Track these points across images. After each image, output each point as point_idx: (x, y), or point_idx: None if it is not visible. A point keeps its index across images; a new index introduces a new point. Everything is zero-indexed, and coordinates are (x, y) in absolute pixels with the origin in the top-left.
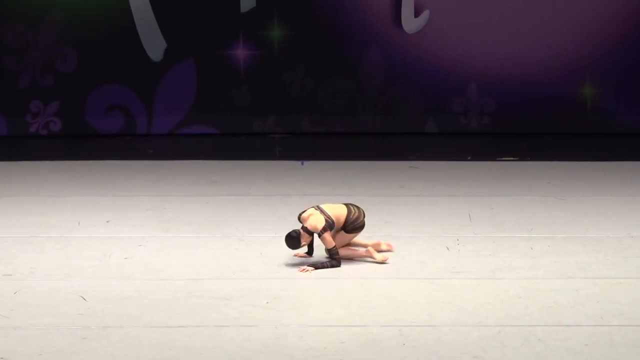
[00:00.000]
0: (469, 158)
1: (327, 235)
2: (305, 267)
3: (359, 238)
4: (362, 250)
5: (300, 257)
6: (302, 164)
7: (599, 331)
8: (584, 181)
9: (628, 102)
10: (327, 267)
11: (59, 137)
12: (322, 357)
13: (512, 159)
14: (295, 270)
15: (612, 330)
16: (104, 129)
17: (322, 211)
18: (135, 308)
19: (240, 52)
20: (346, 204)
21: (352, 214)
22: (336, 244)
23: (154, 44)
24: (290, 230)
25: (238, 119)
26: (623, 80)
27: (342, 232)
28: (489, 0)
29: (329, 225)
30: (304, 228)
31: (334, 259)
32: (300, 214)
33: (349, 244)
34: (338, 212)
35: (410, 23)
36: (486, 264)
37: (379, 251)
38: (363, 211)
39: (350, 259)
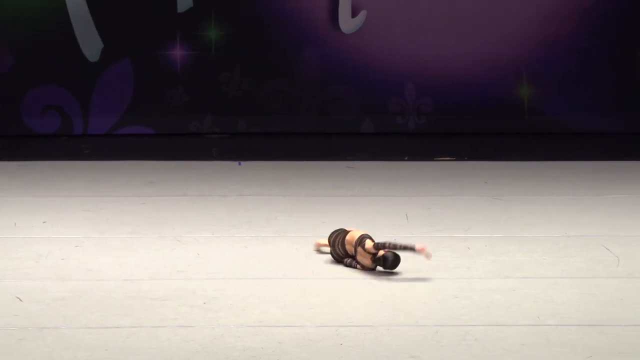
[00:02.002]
0: (405, 158)
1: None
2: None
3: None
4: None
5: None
6: (240, 164)
7: (536, 331)
8: (521, 181)
9: (565, 102)
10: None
11: None
12: (259, 358)
13: (449, 159)
14: (229, 271)
15: (548, 329)
16: (40, 129)
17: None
18: (71, 309)
19: (177, 53)
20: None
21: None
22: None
23: (91, 44)
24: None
25: (175, 119)
26: (560, 80)
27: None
28: (427, 1)
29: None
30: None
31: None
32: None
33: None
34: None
35: (347, 23)
36: (423, 264)
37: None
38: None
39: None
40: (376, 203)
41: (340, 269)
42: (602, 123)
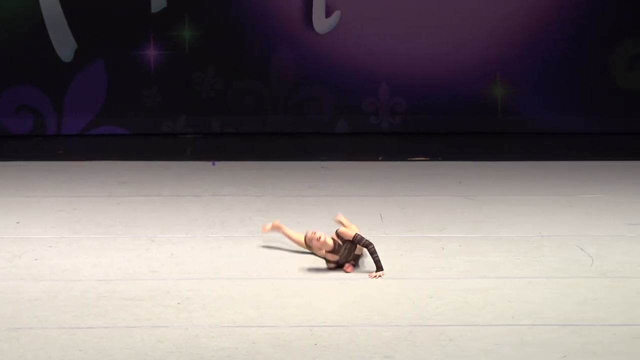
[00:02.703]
0: (380, 158)
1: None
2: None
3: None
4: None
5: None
6: (213, 164)
7: (510, 331)
8: (495, 181)
9: (539, 102)
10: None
11: None
12: (233, 358)
13: (423, 159)
14: (203, 271)
15: (522, 329)
16: (14, 129)
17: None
18: (45, 309)
19: (151, 53)
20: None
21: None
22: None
23: (64, 45)
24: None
25: (148, 119)
26: (534, 80)
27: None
28: (400, 1)
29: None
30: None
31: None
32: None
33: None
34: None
35: (321, 23)
36: (397, 264)
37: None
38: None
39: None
40: (350, 203)
41: (314, 269)
42: (576, 123)
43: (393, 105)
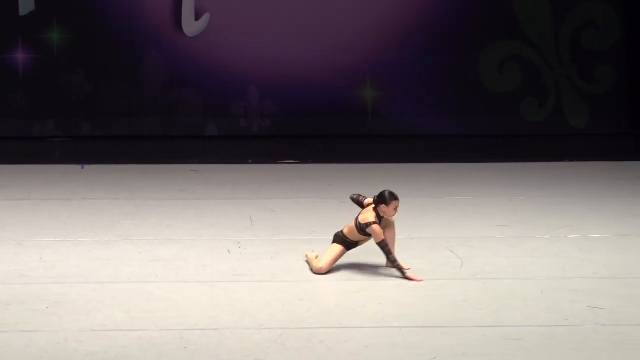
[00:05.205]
0: (250, 161)
1: (376, 228)
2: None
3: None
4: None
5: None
6: (83, 167)
7: (380, 333)
8: (365, 183)
9: (408, 104)
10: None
11: None
12: None
13: (293, 162)
14: (72, 275)
15: (392, 331)
16: None
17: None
18: None
19: (19, 56)
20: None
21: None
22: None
23: None
24: None
25: (17, 123)
26: (404, 82)
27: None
28: (271, 4)
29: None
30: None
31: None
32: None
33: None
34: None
35: (191, 26)
36: (268, 267)
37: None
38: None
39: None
40: (221, 206)
41: (185, 272)
42: (446, 125)
43: (263, 108)
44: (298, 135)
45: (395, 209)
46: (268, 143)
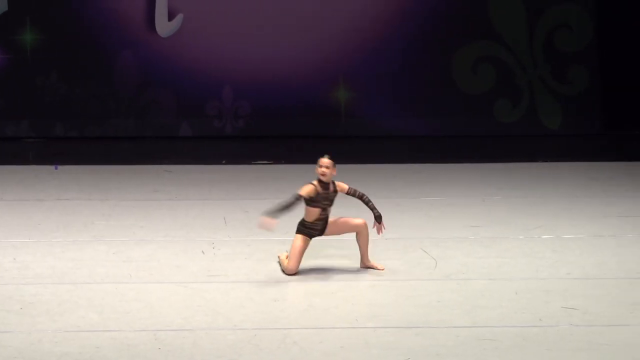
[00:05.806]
0: (223, 162)
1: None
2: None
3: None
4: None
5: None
6: (56, 167)
7: (354, 333)
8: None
9: (382, 105)
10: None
11: None
12: None
13: (266, 162)
14: (46, 276)
15: (366, 332)
16: None
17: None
18: None
19: None
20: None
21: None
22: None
23: None
24: None
25: None
26: (377, 83)
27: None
28: (245, 5)
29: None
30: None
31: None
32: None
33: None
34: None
35: (164, 27)
36: (241, 267)
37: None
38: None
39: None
40: (194, 207)
41: (159, 273)
42: (419, 126)
43: (237, 108)
44: (272, 135)
45: (320, 167)
46: (242, 143)
